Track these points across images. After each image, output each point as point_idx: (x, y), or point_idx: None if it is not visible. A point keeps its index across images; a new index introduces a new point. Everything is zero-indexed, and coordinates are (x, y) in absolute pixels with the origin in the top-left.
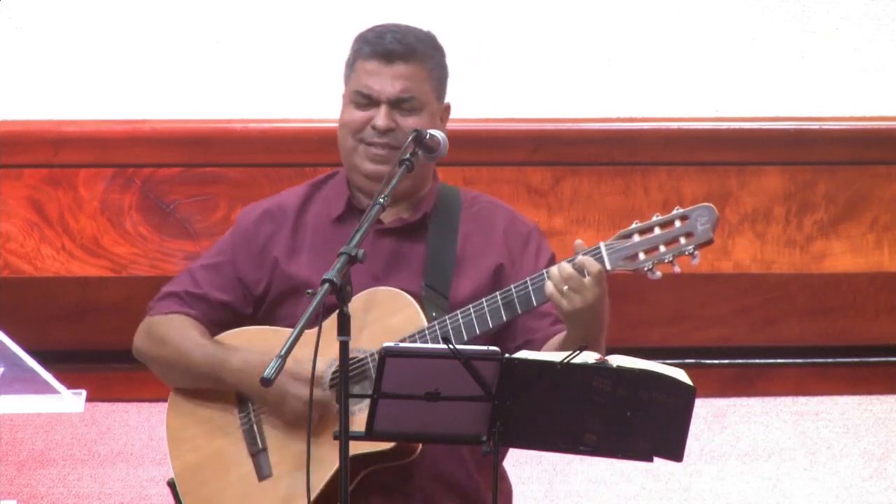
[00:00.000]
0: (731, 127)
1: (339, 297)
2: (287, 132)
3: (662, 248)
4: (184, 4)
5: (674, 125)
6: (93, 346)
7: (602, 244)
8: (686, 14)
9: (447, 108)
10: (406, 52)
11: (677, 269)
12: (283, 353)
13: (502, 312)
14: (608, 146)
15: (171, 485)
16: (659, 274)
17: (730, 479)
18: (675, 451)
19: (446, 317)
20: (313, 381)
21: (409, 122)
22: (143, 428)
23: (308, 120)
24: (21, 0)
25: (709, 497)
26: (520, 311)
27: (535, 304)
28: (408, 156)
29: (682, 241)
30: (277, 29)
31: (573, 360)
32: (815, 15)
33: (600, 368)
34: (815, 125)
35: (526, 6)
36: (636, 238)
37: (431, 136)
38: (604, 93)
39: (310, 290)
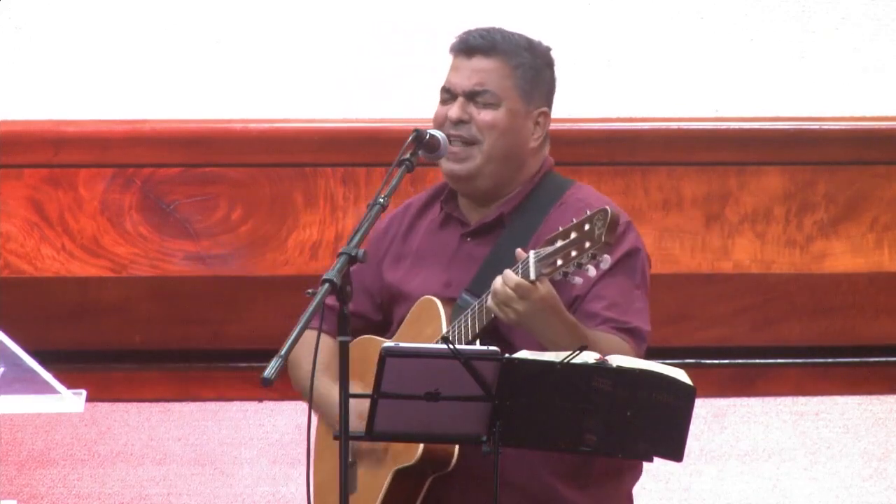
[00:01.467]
0: (731, 127)
1: (339, 297)
2: (287, 132)
3: (574, 253)
4: (184, 4)
5: (674, 125)
6: (93, 346)
7: (531, 252)
8: (686, 14)
9: (543, 114)
10: (486, 46)
11: (591, 273)
12: (283, 353)
13: (477, 322)
14: (608, 146)
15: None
16: (579, 280)
17: (730, 479)
18: (675, 451)
19: (449, 326)
20: (313, 379)
21: (484, 115)
22: (143, 428)
23: (308, 120)
24: (21, 0)
25: (709, 497)
26: (485, 323)
27: (492, 317)
28: (407, 155)
29: (587, 244)
30: (277, 29)
31: (573, 360)
32: (815, 15)
33: (600, 368)
34: (815, 125)
35: (526, 6)
36: (558, 244)
37: (432, 136)
38: (604, 93)
39: (310, 290)
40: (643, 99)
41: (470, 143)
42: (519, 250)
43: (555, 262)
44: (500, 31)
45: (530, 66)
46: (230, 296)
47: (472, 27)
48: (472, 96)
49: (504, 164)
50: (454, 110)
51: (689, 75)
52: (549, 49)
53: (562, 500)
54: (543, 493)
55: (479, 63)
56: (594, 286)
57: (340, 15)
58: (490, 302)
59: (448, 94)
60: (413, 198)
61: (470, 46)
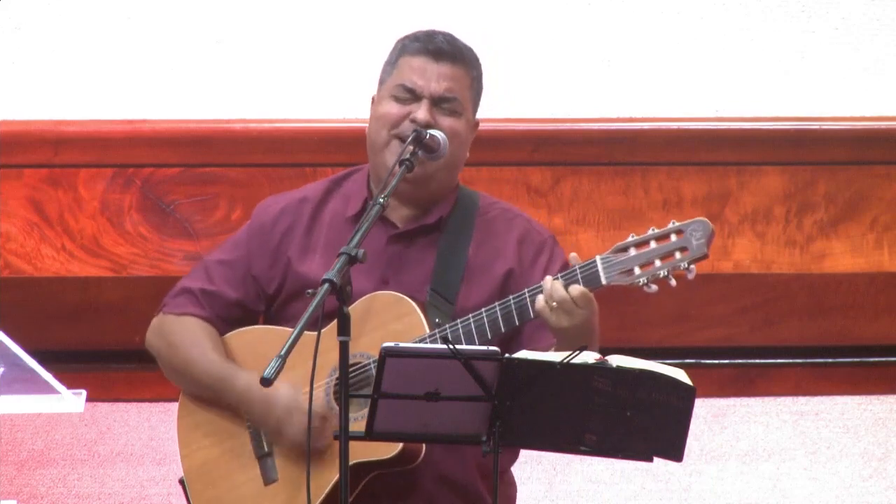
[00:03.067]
0: (731, 127)
1: (339, 297)
2: (287, 132)
3: (658, 263)
4: (184, 4)
5: (674, 125)
6: (93, 346)
7: (598, 258)
8: (686, 14)
9: (477, 125)
10: (454, 53)
11: (673, 283)
12: (283, 353)
13: (501, 324)
14: (608, 146)
15: (182, 483)
16: (655, 288)
17: (730, 479)
18: (675, 451)
19: (447, 325)
20: (313, 382)
21: (447, 122)
22: (143, 428)
23: (308, 120)
24: (20, 0)
25: (709, 497)
26: (517, 323)
27: (531, 316)
28: (408, 156)
29: (678, 255)
30: (277, 29)
31: (573, 360)
32: (815, 15)
33: (600, 368)
34: (815, 125)
35: (526, 6)
36: (632, 252)
37: (431, 136)
38: (604, 93)
39: (310, 291)
40: (643, 99)
41: None
42: (573, 254)
43: (632, 270)
44: (458, 40)
45: (479, 79)
46: None
47: (445, 29)
48: (438, 101)
49: (453, 171)
50: (424, 113)
51: (689, 75)
52: None
53: (478, 494)
54: (473, 490)
55: (447, 69)
56: None
57: (340, 15)
58: (541, 303)
59: (410, 95)
60: (303, 191)
61: (439, 50)
